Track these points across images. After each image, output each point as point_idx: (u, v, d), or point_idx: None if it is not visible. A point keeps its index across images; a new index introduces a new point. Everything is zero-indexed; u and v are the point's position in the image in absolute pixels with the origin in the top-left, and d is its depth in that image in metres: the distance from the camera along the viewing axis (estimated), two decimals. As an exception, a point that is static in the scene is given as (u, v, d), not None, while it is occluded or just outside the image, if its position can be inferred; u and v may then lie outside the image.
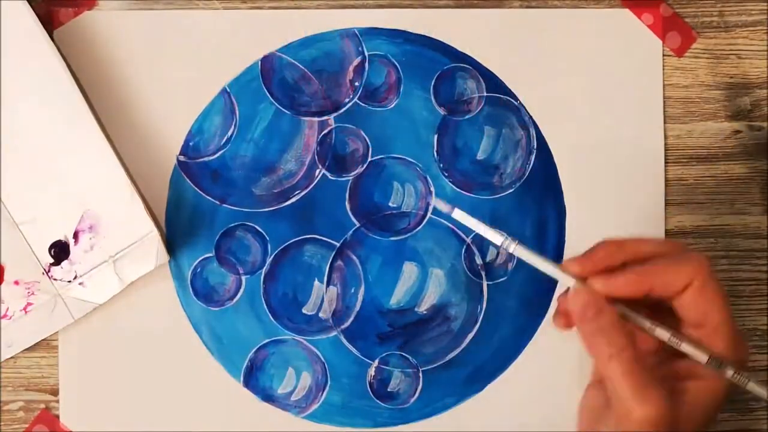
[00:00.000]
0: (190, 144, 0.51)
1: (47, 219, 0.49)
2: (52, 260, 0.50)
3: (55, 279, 0.50)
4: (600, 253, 0.42)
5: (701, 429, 0.40)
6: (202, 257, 0.51)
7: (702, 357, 0.40)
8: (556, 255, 0.52)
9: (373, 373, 0.51)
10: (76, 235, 0.49)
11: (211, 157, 0.51)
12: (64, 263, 0.50)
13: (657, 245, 0.42)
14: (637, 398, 0.39)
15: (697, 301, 0.40)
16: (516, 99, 0.52)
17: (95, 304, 0.50)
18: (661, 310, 0.42)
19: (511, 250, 0.42)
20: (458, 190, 0.52)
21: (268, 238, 0.51)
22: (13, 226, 0.49)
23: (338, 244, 0.51)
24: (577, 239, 0.52)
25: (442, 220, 0.52)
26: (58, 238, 0.49)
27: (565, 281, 0.41)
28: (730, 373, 0.40)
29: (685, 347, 0.41)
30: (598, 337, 0.40)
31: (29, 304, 0.50)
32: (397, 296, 0.51)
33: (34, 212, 0.49)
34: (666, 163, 0.52)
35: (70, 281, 0.50)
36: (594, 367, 0.42)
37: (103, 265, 0.50)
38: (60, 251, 0.49)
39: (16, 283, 0.50)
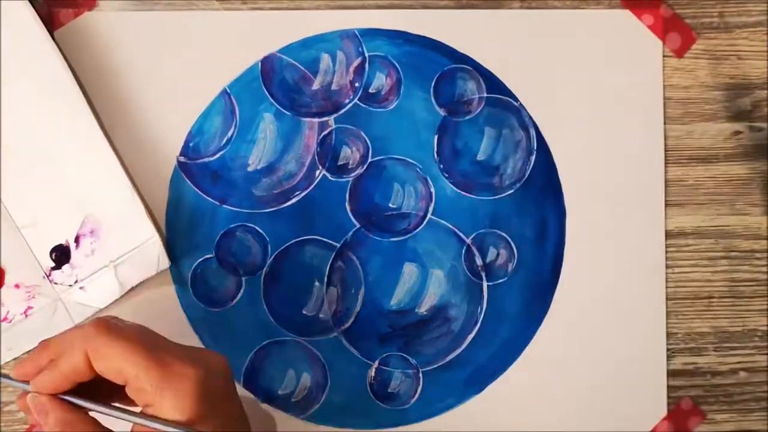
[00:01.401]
0: (191, 145, 0.51)
1: (49, 223, 0.49)
2: (53, 264, 0.50)
3: (55, 283, 0.50)
4: (33, 356, 0.41)
5: None
6: (203, 258, 0.51)
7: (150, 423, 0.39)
8: (556, 255, 0.52)
9: (373, 374, 0.51)
10: (77, 240, 0.49)
11: (211, 158, 0.51)
12: (65, 267, 0.50)
13: (69, 333, 0.41)
14: None
15: (103, 366, 0.39)
16: (516, 100, 0.52)
17: (96, 309, 0.50)
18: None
19: None
20: (458, 191, 0.52)
21: (268, 239, 0.51)
22: (15, 229, 0.49)
23: (338, 245, 0.51)
24: (578, 240, 0.52)
25: (443, 221, 0.52)
26: (59, 242, 0.50)
27: (25, 388, 0.41)
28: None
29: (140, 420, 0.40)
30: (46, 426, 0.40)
31: (30, 307, 0.50)
32: (398, 297, 0.52)
33: (35, 216, 0.49)
34: (666, 163, 0.52)
35: (70, 285, 0.50)
36: None
37: (103, 270, 0.50)
38: (61, 255, 0.50)
39: (17, 286, 0.50)
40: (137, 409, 0.40)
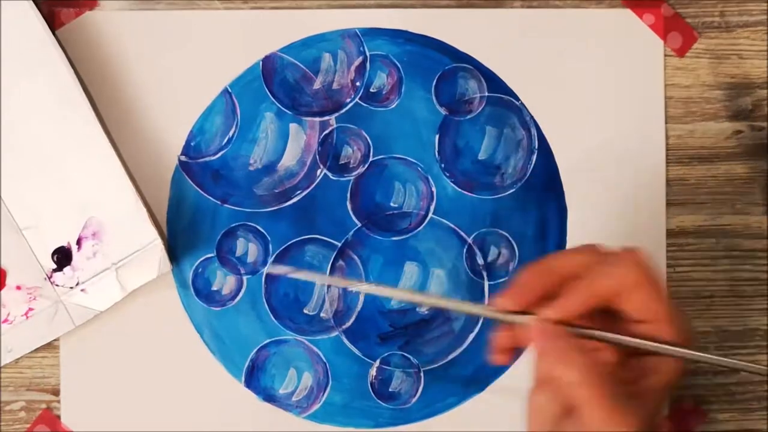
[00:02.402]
0: (192, 144, 0.51)
1: (50, 225, 0.49)
2: (54, 266, 0.50)
3: (57, 285, 0.50)
4: (529, 281, 0.40)
5: (659, 416, 0.41)
6: (204, 257, 0.51)
7: (673, 350, 0.40)
8: (557, 255, 0.52)
9: (374, 373, 0.51)
10: (79, 242, 0.49)
11: (213, 158, 0.51)
12: (67, 269, 0.50)
13: (579, 254, 0.41)
14: (613, 424, 0.37)
15: (640, 299, 0.39)
16: (517, 99, 0.52)
17: (96, 311, 0.50)
18: (601, 315, 0.41)
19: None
20: (459, 190, 0.52)
21: (269, 238, 0.51)
22: (16, 231, 0.49)
23: (339, 245, 0.51)
24: (579, 239, 0.52)
25: (444, 220, 0.52)
26: (61, 244, 0.49)
27: (504, 318, 0.40)
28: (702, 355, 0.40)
29: (653, 345, 0.40)
30: (562, 365, 0.39)
31: (30, 309, 0.50)
32: (399, 296, 0.52)
33: (37, 218, 0.49)
34: (667, 163, 0.52)
35: (72, 287, 0.50)
36: (538, 369, 0.41)
37: (105, 273, 0.50)
38: (62, 257, 0.49)
39: (18, 288, 0.50)
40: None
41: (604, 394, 0.38)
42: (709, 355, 0.41)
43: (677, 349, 0.40)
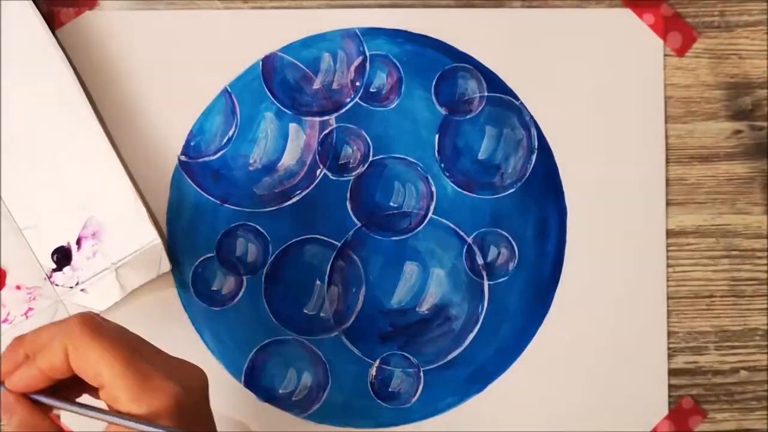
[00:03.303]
0: (191, 144, 0.51)
1: (50, 224, 0.49)
2: (54, 266, 0.50)
3: (56, 285, 0.50)
4: (5, 353, 0.40)
5: None
6: (204, 257, 0.51)
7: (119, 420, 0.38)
8: (557, 254, 0.52)
9: (374, 373, 0.51)
10: (78, 242, 0.49)
11: (212, 157, 0.51)
12: (66, 269, 0.50)
13: (48, 329, 0.39)
14: None
15: (81, 364, 0.38)
16: (517, 99, 0.52)
17: (97, 311, 0.49)
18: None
19: None
20: (459, 190, 0.52)
21: (269, 238, 0.51)
22: (16, 230, 0.49)
23: (339, 244, 0.51)
24: (579, 239, 0.52)
25: (444, 220, 0.52)
26: (60, 244, 0.49)
27: None
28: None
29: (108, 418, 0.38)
30: None
31: (30, 309, 0.50)
32: (399, 296, 0.51)
33: (37, 217, 0.49)
34: (667, 162, 0.52)
35: (71, 287, 0.50)
36: None
37: (105, 272, 0.49)
38: (62, 257, 0.49)
39: (18, 287, 0.50)
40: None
41: None
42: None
43: (121, 421, 0.37)
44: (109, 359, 0.38)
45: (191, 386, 0.40)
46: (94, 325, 0.38)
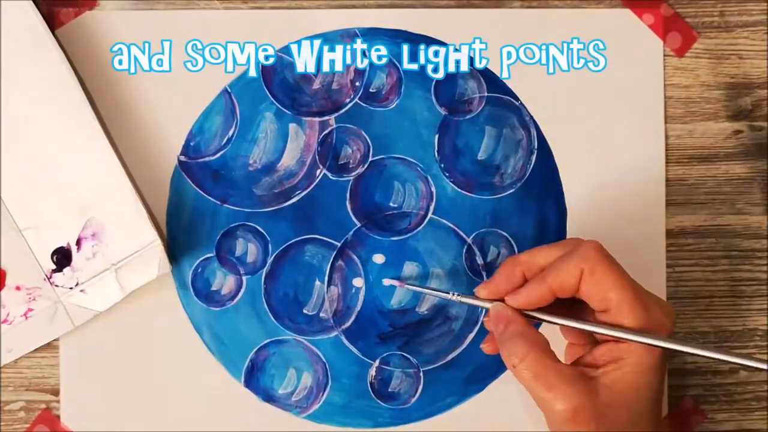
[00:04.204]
0: (191, 144, 0.51)
1: (50, 225, 0.49)
2: (54, 266, 0.50)
3: (56, 285, 0.50)
4: (500, 272, 0.45)
5: (642, 411, 0.42)
6: (203, 257, 0.51)
7: (613, 333, 0.42)
8: (556, 255, 0.52)
9: (374, 373, 0.51)
10: (78, 242, 0.49)
11: (212, 158, 0.51)
12: (66, 270, 0.50)
13: (550, 251, 0.44)
14: (552, 397, 0.41)
15: (592, 287, 0.42)
16: (517, 99, 0.52)
17: (96, 312, 0.50)
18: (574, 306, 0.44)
19: (455, 299, 0.47)
20: (459, 190, 0.52)
21: (269, 238, 0.51)
22: (16, 231, 0.49)
23: (339, 244, 0.51)
24: (578, 239, 0.52)
25: (443, 220, 0.52)
26: (60, 245, 0.49)
27: (472, 304, 0.46)
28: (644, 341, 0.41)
29: (594, 328, 0.42)
30: (504, 350, 0.43)
31: (30, 309, 0.50)
32: (398, 296, 0.51)
33: (37, 218, 0.49)
34: (667, 163, 0.52)
35: (71, 288, 0.50)
36: None
37: (104, 273, 0.50)
38: (62, 258, 0.49)
39: (18, 288, 0.50)
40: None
41: (539, 373, 0.41)
42: (666, 344, 0.41)
43: (622, 334, 0.41)
44: (621, 286, 0.42)
45: (672, 323, 0.43)
46: (606, 253, 0.43)
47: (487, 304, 0.45)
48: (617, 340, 0.42)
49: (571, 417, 0.40)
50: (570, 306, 0.44)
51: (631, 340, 0.41)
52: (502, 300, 0.45)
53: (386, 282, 0.50)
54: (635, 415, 0.41)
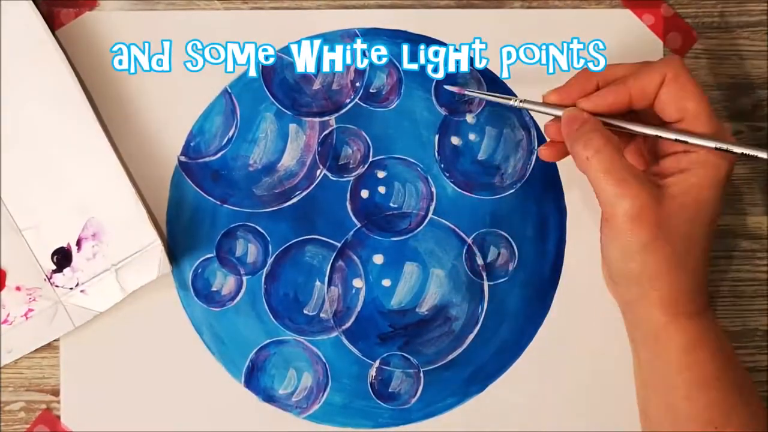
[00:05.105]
0: (191, 144, 0.51)
1: (50, 226, 0.49)
2: (54, 267, 0.50)
3: (56, 286, 0.50)
4: (573, 81, 0.46)
5: (698, 225, 0.43)
6: (203, 258, 0.51)
7: (693, 139, 0.43)
8: (556, 254, 0.52)
9: (374, 374, 0.51)
10: (79, 243, 0.49)
11: (212, 158, 0.51)
12: (66, 270, 0.50)
13: (627, 66, 0.45)
14: (618, 192, 0.41)
15: (672, 94, 0.43)
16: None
17: (96, 312, 0.50)
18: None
19: (519, 105, 0.47)
20: (459, 190, 0.52)
21: (269, 239, 0.51)
22: (16, 231, 0.49)
23: (339, 245, 0.51)
24: (578, 239, 0.52)
25: (443, 221, 0.52)
26: (60, 245, 0.49)
27: (542, 111, 0.46)
28: (721, 145, 0.42)
29: (670, 134, 0.43)
30: (578, 143, 0.43)
31: (30, 310, 0.50)
32: (398, 297, 0.51)
33: (37, 218, 0.49)
34: (667, 163, 0.52)
35: (71, 288, 0.50)
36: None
37: (105, 274, 0.50)
38: (62, 258, 0.49)
39: (18, 288, 0.50)
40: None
41: (610, 167, 0.42)
42: (730, 146, 0.42)
43: (698, 141, 0.43)
44: (700, 97, 0.43)
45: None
46: (686, 66, 0.44)
47: (557, 111, 0.45)
48: (686, 151, 0.43)
49: (636, 216, 0.41)
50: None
51: (723, 149, 0.42)
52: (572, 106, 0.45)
53: (448, 87, 0.50)
54: (694, 231, 0.42)
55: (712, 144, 0.42)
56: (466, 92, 0.49)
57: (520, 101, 0.47)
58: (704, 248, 0.43)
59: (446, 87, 0.50)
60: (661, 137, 0.44)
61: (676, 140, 0.43)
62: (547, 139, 0.48)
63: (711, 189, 0.43)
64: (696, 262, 0.43)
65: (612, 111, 0.44)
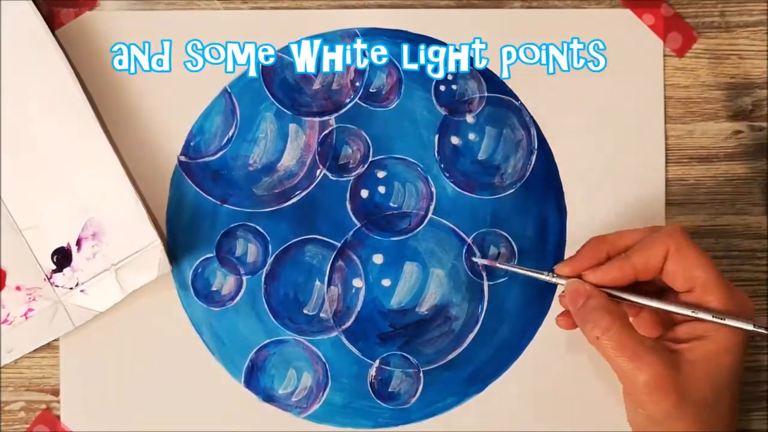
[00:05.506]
0: (191, 144, 0.51)
1: (50, 225, 0.49)
2: (54, 267, 0.50)
3: (56, 286, 0.50)
4: (585, 251, 0.45)
5: (721, 388, 0.42)
6: (203, 258, 0.51)
7: (703, 315, 0.42)
8: (557, 254, 0.52)
9: (374, 374, 0.51)
10: (78, 243, 0.49)
11: (212, 158, 0.51)
12: (66, 270, 0.50)
13: (635, 234, 0.45)
14: (634, 367, 0.41)
15: (678, 266, 0.42)
16: (517, 99, 0.52)
17: (96, 312, 0.50)
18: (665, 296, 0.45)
19: (551, 280, 0.47)
20: (459, 190, 0.52)
21: (269, 239, 0.51)
22: (16, 231, 0.49)
23: (339, 245, 0.51)
24: (578, 239, 0.51)
25: (443, 221, 0.52)
26: (60, 245, 0.49)
27: (549, 280, 0.46)
28: (731, 323, 0.42)
29: (679, 309, 0.43)
30: (587, 323, 0.43)
31: (30, 309, 0.50)
32: (398, 296, 0.51)
33: (37, 218, 0.49)
34: (667, 163, 0.52)
35: (71, 288, 0.50)
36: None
37: (104, 273, 0.50)
38: (62, 258, 0.49)
39: (18, 288, 0.50)
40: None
41: (623, 344, 0.41)
42: (742, 325, 0.42)
43: (703, 315, 0.42)
44: (708, 265, 0.42)
45: (753, 307, 0.44)
46: (689, 235, 0.43)
47: (559, 280, 0.46)
48: (690, 319, 0.43)
49: (655, 387, 0.41)
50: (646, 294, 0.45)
51: (726, 324, 0.42)
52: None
53: (478, 261, 0.50)
54: (718, 394, 0.42)
55: (720, 320, 0.42)
56: (497, 265, 0.50)
57: (552, 275, 0.46)
58: (731, 406, 0.43)
59: (476, 260, 0.51)
60: (668, 311, 0.44)
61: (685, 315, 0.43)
62: (563, 309, 0.48)
63: (730, 354, 0.42)
64: (723, 419, 0.42)
65: (618, 284, 0.44)
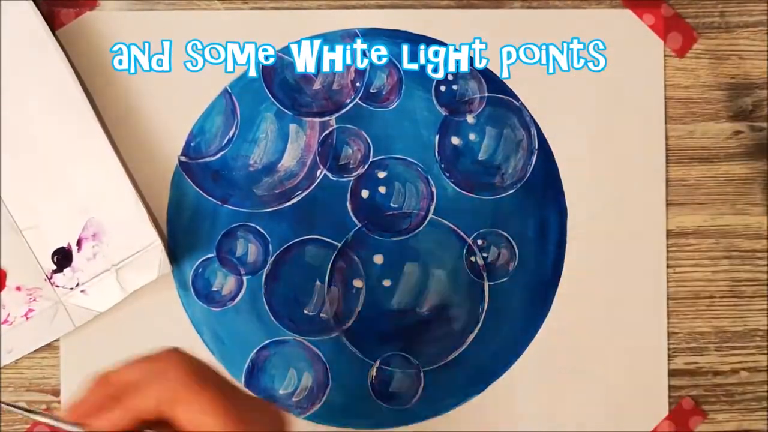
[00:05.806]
0: (192, 144, 0.51)
1: (51, 226, 0.49)
2: (54, 267, 0.50)
3: (57, 286, 0.50)
4: (90, 393, 0.38)
5: None
6: (204, 258, 0.51)
7: None
8: (557, 254, 0.52)
9: (374, 374, 0.51)
10: (79, 243, 0.49)
11: (213, 158, 0.51)
12: (67, 270, 0.50)
13: (138, 369, 0.38)
14: None
15: (178, 415, 0.35)
16: (517, 99, 0.52)
17: (96, 312, 0.50)
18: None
19: None
20: (459, 190, 0.52)
21: (269, 239, 0.51)
22: (17, 231, 0.49)
23: (340, 245, 0.51)
24: (578, 239, 0.52)
25: (444, 221, 0.52)
26: (61, 245, 0.49)
27: (57, 426, 0.37)
28: None
29: None
30: None
31: (30, 310, 0.50)
32: (399, 297, 0.51)
33: (37, 218, 0.49)
34: (667, 163, 0.52)
35: (72, 288, 0.50)
36: None
37: (105, 274, 0.50)
38: (63, 258, 0.49)
39: (18, 289, 0.50)
40: None
41: None
42: None
43: None
44: (213, 411, 0.35)
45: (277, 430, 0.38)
46: (191, 369, 0.36)
47: (66, 427, 0.36)
48: None
49: None
50: None
51: None
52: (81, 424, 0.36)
53: None
54: None
55: None
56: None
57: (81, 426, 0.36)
58: None
59: None
60: None
61: None
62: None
63: None
64: None
65: (129, 428, 0.36)
